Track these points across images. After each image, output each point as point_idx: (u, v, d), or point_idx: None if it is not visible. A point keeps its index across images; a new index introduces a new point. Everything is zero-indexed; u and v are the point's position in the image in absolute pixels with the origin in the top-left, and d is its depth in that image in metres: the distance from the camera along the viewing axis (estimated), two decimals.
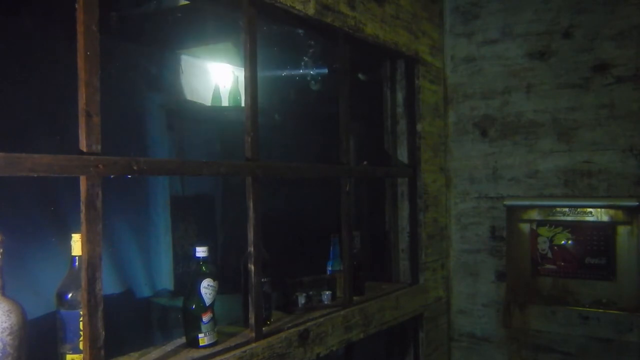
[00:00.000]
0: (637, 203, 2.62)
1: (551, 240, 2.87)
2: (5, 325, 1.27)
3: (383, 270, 2.93)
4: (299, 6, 2.00)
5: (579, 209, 2.79)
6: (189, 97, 3.78)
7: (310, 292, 2.26)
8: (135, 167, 1.45)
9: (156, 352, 1.67)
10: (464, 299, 3.13)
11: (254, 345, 1.79)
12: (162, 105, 3.64)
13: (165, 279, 3.65)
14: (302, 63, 3.29)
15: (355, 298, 2.38)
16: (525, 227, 2.95)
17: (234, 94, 3.83)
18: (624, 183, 2.68)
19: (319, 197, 3.25)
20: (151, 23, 2.95)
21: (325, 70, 3.32)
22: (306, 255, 2.66)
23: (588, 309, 2.74)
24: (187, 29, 3.09)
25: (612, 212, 2.72)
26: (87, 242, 1.34)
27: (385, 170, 2.92)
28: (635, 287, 2.65)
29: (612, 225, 2.71)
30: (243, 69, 1.87)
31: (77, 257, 1.45)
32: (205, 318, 1.71)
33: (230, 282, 2.09)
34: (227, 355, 1.69)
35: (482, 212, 3.07)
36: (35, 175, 1.24)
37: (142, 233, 3.59)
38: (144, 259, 3.59)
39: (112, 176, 1.40)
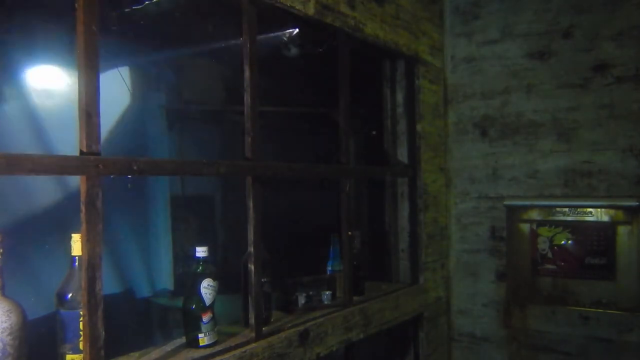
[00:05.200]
0: (637, 203, 2.63)
1: (551, 240, 2.87)
2: (5, 325, 1.27)
3: (383, 270, 2.93)
4: (299, 6, 2.00)
5: (579, 209, 2.79)
6: (190, 97, 3.78)
7: (310, 292, 2.26)
8: (135, 167, 1.45)
9: (156, 352, 1.67)
10: (464, 299, 3.13)
11: (254, 345, 1.79)
12: (162, 105, 3.64)
13: (165, 279, 3.65)
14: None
15: (355, 298, 2.38)
16: (525, 227, 2.95)
17: None
18: (624, 183, 2.68)
19: (319, 197, 3.25)
20: (151, 22, 2.95)
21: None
22: (306, 255, 2.66)
23: (588, 309, 2.74)
24: (187, 28, 3.08)
25: (612, 212, 2.72)
26: (87, 242, 1.33)
27: (385, 170, 2.92)
28: (635, 287, 2.65)
29: (612, 225, 2.71)
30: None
31: (77, 257, 1.45)
32: (205, 318, 1.71)
33: (230, 282, 2.09)
34: (227, 355, 1.69)
35: (482, 212, 3.07)
36: (36, 175, 1.24)
37: (142, 233, 3.60)
38: (144, 259, 3.59)
39: (112, 176, 1.40)
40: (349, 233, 2.30)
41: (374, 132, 3.08)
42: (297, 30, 2.93)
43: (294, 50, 3.07)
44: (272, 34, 2.94)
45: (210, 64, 3.77)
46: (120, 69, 3.31)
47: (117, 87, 3.35)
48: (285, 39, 2.96)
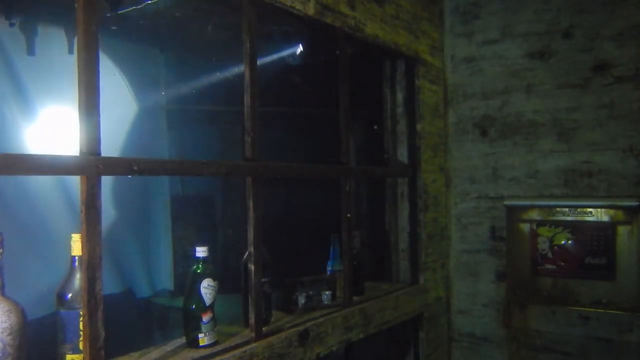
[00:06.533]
0: (637, 203, 2.62)
1: (551, 240, 2.87)
2: (5, 325, 1.27)
3: (383, 270, 2.94)
4: (299, 6, 2.00)
5: (579, 209, 2.79)
6: (189, 96, 3.78)
7: (310, 292, 2.26)
8: (135, 167, 1.45)
9: (156, 352, 1.67)
10: (464, 299, 3.13)
11: (254, 345, 1.79)
12: (162, 105, 3.64)
13: (165, 279, 3.65)
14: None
15: (355, 298, 2.38)
16: (525, 227, 2.95)
17: None
18: (624, 183, 2.68)
19: (319, 197, 3.25)
20: (151, 23, 2.95)
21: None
22: (306, 255, 2.66)
23: (588, 309, 2.74)
24: (187, 28, 3.09)
25: (612, 212, 2.72)
26: (87, 242, 1.33)
27: (385, 170, 2.92)
28: (635, 287, 2.65)
29: (612, 225, 2.71)
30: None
31: (77, 257, 1.45)
32: (205, 318, 1.71)
33: (230, 282, 2.09)
34: (227, 355, 1.69)
35: (482, 212, 3.07)
36: (36, 175, 1.24)
37: (142, 233, 3.60)
38: (144, 259, 3.59)
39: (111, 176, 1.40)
40: (349, 233, 2.30)
41: (375, 127, 3.09)
42: (300, 47, 3.02)
43: (297, 61, 3.13)
44: (276, 56, 3.06)
45: (210, 64, 3.77)
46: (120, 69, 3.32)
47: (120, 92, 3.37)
48: (289, 59, 3.06)
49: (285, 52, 3.19)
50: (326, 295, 2.29)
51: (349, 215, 2.29)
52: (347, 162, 2.32)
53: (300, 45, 3.08)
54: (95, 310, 1.34)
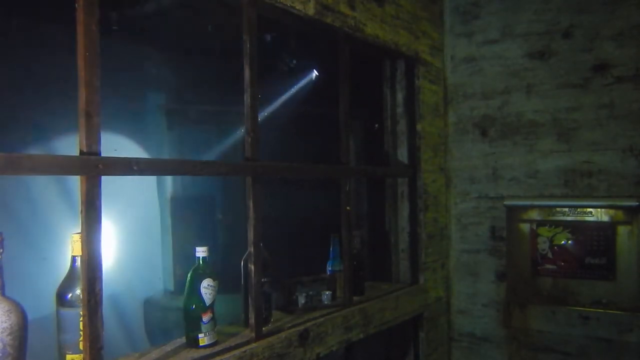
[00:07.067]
0: (637, 203, 2.62)
1: (551, 240, 2.87)
2: (5, 325, 1.27)
3: (383, 270, 2.94)
4: (299, 6, 2.00)
5: (579, 209, 2.79)
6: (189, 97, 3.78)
7: (310, 292, 2.26)
8: (135, 167, 1.45)
9: (156, 352, 1.67)
10: (464, 299, 3.13)
11: (254, 345, 1.79)
12: (162, 105, 3.64)
13: (165, 279, 3.65)
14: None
15: (355, 298, 2.38)
16: (525, 227, 2.95)
17: None
18: (624, 183, 2.68)
19: (319, 197, 3.25)
20: (151, 23, 2.95)
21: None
22: (306, 255, 2.66)
23: (588, 309, 2.74)
24: (187, 28, 3.09)
25: (612, 212, 2.72)
26: (87, 242, 1.34)
27: (385, 170, 2.92)
28: (635, 287, 2.65)
29: (612, 225, 2.71)
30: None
31: (77, 257, 1.45)
32: (205, 318, 1.71)
33: (230, 282, 2.09)
34: (227, 355, 1.69)
35: (482, 212, 3.07)
36: (36, 175, 1.24)
37: (142, 233, 3.60)
38: (144, 259, 3.59)
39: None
40: (349, 233, 2.30)
41: (376, 125, 3.11)
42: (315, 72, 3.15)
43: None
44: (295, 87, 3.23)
45: (210, 64, 3.77)
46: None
47: None
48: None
49: (303, 81, 3.36)
50: (326, 295, 2.29)
51: (348, 207, 2.28)
52: (347, 162, 2.32)
53: (315, 71, 3.21)
54: (95, 310, 1.34)
